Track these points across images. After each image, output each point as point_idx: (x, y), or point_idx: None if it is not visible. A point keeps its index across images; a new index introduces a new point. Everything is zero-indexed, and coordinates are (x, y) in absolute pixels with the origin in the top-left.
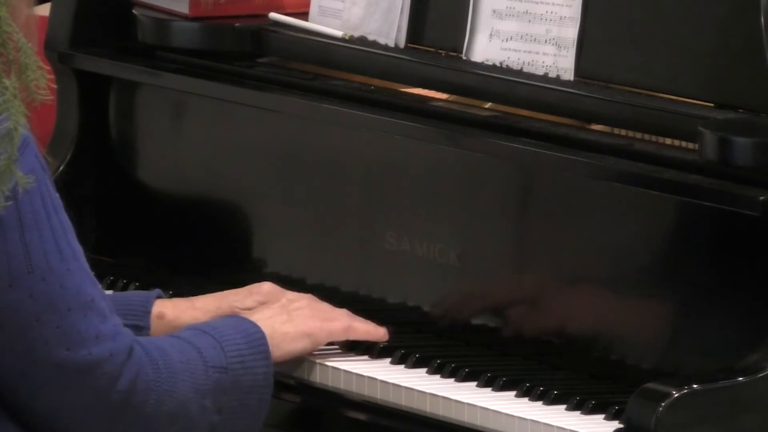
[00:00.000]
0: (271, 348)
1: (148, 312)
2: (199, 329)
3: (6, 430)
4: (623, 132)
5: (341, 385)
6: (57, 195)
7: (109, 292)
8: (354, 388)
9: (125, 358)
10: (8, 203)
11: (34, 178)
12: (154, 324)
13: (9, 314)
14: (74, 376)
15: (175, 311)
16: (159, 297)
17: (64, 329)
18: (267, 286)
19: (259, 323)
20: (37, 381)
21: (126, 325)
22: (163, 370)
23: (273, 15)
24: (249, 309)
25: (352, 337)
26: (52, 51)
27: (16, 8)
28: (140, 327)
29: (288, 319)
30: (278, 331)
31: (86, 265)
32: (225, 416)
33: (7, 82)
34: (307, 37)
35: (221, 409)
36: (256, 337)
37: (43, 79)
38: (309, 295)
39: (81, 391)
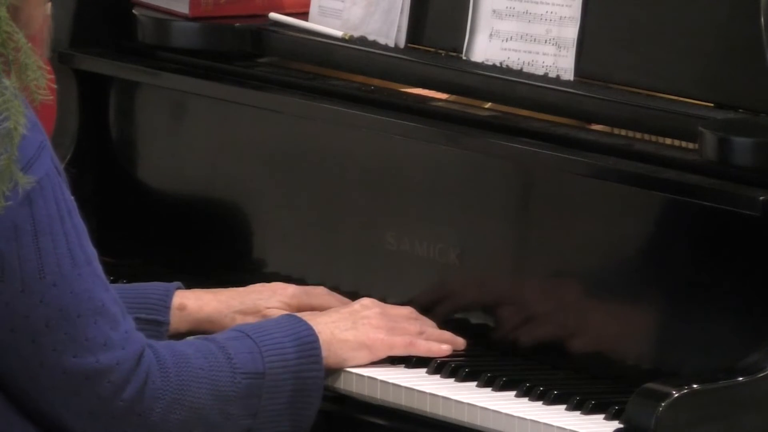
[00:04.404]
0: (326, 354)
1: (167, 307)
2: (242, 331)
3: (18, 427)
4: (623, 132)
5: (341, 385)
6: (71, 198)
7: (128, 284)
8: (354, 388)
9: (133, 366)
10: (23, 209)
11: (35, 179)
12: (175, 315)
13: (20, 319)
14: (80, 383)
15: (198, 302)
16: (179, 288)
17: (72, 336)
18: (291, 289)
19: (318, 327)
20: (45, 385)
21: (145, 320)
22: (173, 378)
23: (273, 15)
24: (273, 308)
25: (413, 353)
26: (52, 51)
27: (33, 9)
28: (160, 322)
29: (352, 326)
30: (337, 338)
31: (99, 269)
32: (263, 420)
33: (7, 82)
34: (307, 37)
35: (257, 413)
36: (307, 341)
37: (43, 79)
38: (382, 304)
39: (86, 398)
